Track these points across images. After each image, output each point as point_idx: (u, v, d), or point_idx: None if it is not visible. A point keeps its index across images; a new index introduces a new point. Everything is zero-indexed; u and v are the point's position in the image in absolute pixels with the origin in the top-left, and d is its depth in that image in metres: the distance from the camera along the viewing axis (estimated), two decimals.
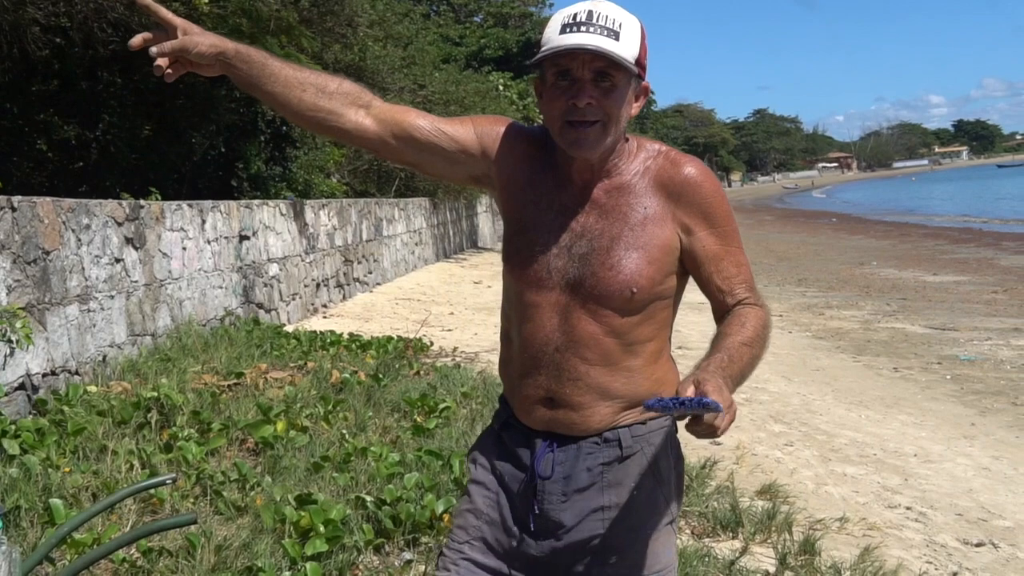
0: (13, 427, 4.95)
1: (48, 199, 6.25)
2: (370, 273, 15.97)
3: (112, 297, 7.01)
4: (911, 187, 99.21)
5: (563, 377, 2.06)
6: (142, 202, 7.97)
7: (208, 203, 9.50)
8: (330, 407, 6.00)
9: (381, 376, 6.93)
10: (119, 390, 6.05)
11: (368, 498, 4.34)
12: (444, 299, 15.14)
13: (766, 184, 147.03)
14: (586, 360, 2.05)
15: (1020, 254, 24.49)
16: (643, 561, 2.08)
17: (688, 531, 4.63)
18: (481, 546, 2.15)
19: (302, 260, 12.34)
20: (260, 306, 10.56)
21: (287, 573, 3.71)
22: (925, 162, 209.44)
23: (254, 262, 10.55)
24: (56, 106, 12.29)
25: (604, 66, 1.95)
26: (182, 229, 8.64)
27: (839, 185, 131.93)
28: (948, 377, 10.21)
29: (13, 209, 5.75)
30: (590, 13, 1.96)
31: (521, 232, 2.12)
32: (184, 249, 8.63)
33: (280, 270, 11.41)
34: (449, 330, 11.44)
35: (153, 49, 1.96)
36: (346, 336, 8.89)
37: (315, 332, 9.01)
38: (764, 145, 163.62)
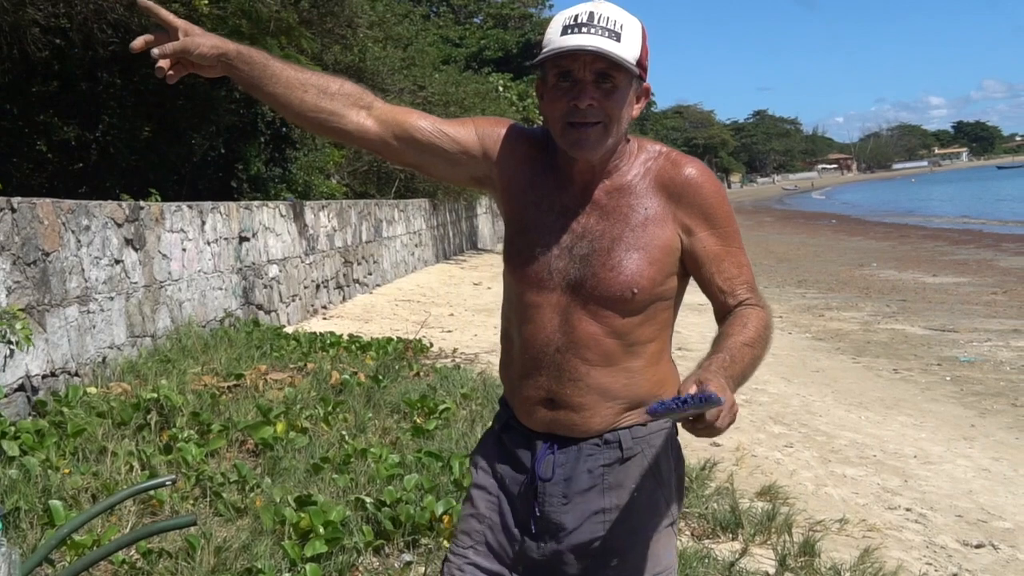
0: (13, 428, 4.95)
1: (48, 200, 6.25)
2: (370, 274, 15.97)
3: (112, 298, 7.01)
4: (911, 188, 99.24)
5: (564, 378, 2.06)
6: (142, 203, 7.97)
7: (208, 204, 9.50)
8: (330, 408, 6.00)
9: (381, 377, 6.93)
10: (119, 391, 6.05)
11: (368, 499, 4.34)
12: (444, 300, 15.14)
13: (766, 185, 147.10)
14: (587, 361, 2.05)
15: (1020, 255, 24.49)
16: (644, 563, 2.08)
17: (688, 532, 4.63)
18: (485, 550, 2.15)
19: (302, 261, 12.34)
20: (260, 307, 10.56)
21: (287, 574, 3.71)
22: (925, 163, 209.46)
23: (254, 263, 10.55)
24: (56, 107, 12.29)
25: (605, 67, 1.95)
26: (182, 230, 8.64)
27: (839, 186, 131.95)
28: (948, 378, 10.21)
29: (13, 210, 5.75)
30: (591, 14, 1.96)
31: (522, 233, 2.12)
32: (184, 250, 8.63)
33: (280, 271, 11.40)
34: (449, 331, 11.44)
35: (155, 51, 1.96)
36: (346, 337, 8.89)
37: (315, 333, 9.01)
38: (764, 146, 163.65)
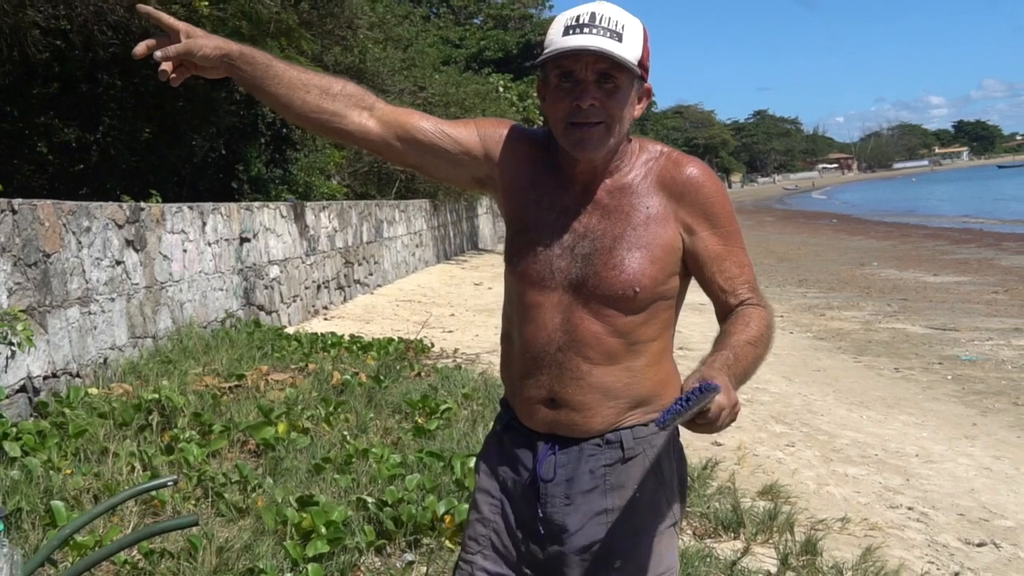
0: (14, 429, 4.95)
1: (48, 202, 6.26)
2: (371, 275, 15.97)
3: (113, 299, 7.01)
4: (911, 188, 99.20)
5: (565, 377, 2.06)
6: (142, 204, 7.97)
7: (208, 205, 9.50)
8: (331, 409, 6.00)
9: (382, 377, 6.93)
10: (120, 392, 6.06)
11: (369, 499, 4.34)
12: (445, 301, 15.14)
13: (766, 185, 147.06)
14: (589, 360, 2.05)
15: (1021, 254, 24.48)
16: (646, 564, 2.08)
17: (690, 532, 4.63)
18: (492, 554, 2.15)
19: (303, 262, 12.35)
20: (261, 308, 10.56)
21: (289, 574, 3.71)
22: (925, 163, 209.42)
23: (255, 264, 10.55)
24: (56, 109, 12.30)
25: (607, 67, 1.95)
26: (183, 231, 8.65)
27: (839, 186, 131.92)
28: (949, 377, 10.21)
29: (14, 212, 5.75)
30: (593, 15, 1.97)
31: (523, 233, 2.12)
32: (185, 251, 8.64)
33: (281, 272, 11.41)
34: (450, 331, 11.44)
35: (158, 53, 1.95)
36: (347, 338, 8.89)
37: (316, 334, 9.01)
38: (764, 146, 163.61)
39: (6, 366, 5.51)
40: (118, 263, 7.16)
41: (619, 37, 1.95)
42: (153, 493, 4.24)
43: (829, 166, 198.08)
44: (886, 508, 5.64)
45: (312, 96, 2.09)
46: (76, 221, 6.52)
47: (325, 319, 12.24)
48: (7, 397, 5.43)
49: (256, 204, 11.12)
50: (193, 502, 4.44)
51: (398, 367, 7.69)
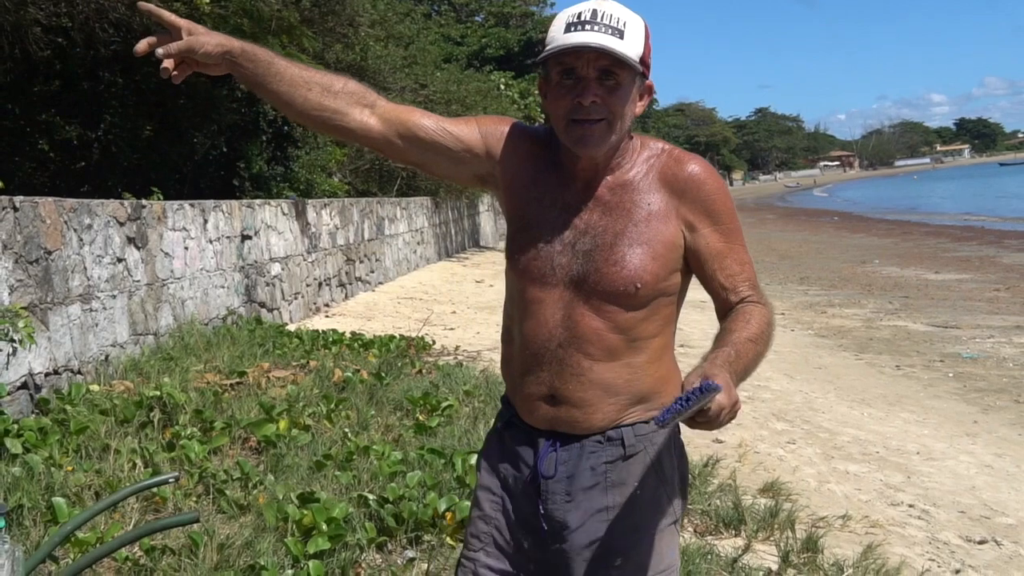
0: (16, 426, 4.96)
1: (50, 199, 6.26)
2: (372, 272, 15.97)
3: (114, 296, 7.02)
4: (913, 185, 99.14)
5: (566, 373, 2.06)
6: (144, 202, 7.97)
7: (210, 203, 9.50)
8: (332, 406, 6.00)
9: (383, 375, 6.93)
10: (121, 389, 6.06)
11: (370, 496, 4.35)
12: (446, 298, 15.14)
13: (768, 183, 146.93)
14: (590, 356, 2.05)
15: (1022, 252, 24.46)
16: (647, 561, 2.08)
17: (691, 529, 4.63)
18: (495, 551, 2.15)
19: (304, 259, 12.35)
20: (262, 305, 10.57)
21: (290, 571, 3.71)
22: (927, 160, 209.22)
23: (256, 261, 10.55)
24: (58, 106, 12.30)
25: (609, 64, 1.96)
26: (184, 229, 8.65)
27: (841, 183, 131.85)
28: (950, 375, 10.20)
29: (15, 209, 5.76)
30: (594, 12, 1.97)
31: (524, 230, 2.12)
32: (186, 249, 8.64)
33: (282, 269, 11.41)
34: (451, 329, 11.45)
35: (160, 51, 1.94)
36: (348, 335, 8.90)
37: (317, 331, 9.02)
38: (766, 144, 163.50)
39: (8, 363, 5.52)
40: (119, 260, 7.17)
41: (620, 34, 1.95)
42: (154, 490, 4.25)
43: (831, 164, 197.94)
44: (887, 505, 5.64)
45: (314, 94, 2.09)
46: (78, 218, 6.53)
47: (326, 316, 12.25)
48: (9, 394, 5.43)
49: (257, 201, 11.12)
50: (194, 499, 4.45)
51: (399, 364, 7.69)
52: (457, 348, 9.50)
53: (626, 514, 2.08)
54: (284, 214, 11.75)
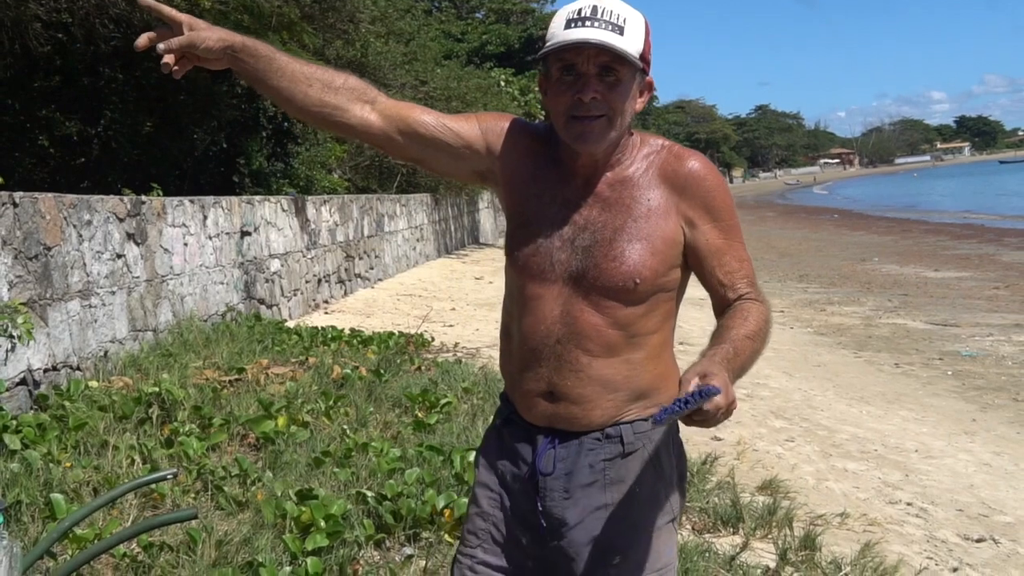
0: (14, 422, 4.96)
1: (50, 195, 6.25)
2: (371, 269, 15.97)
3: (113, 293, 7.01)
4: (913, 183, 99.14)
5: (564, 369, 2.06)
6: (143, 198, 7.96)
7: (210, 199, 9.50)
8: (331, 403, 6.00)
9: (382, 372, 6.93)
10: (120, 385, 6.06)
11: (369, 493, 4.35)
12: (445, 295, 15.14)
13: (768, 180, 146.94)
14: (588, 352, 2.05)
15: (1021, 250, 24.47)
16: (645, 559, 2.08)
17: (689, 526, 4.63)
18: (492, 547, 2.15)
19: (303, 256, 12.35)
20: (261, 302, 10.56)
21: (288, 568, 3.71)
22: (927, 158, 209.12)
23: (255, 258, 10.55)
24: (58, 102, 12.29)
25: (609, 61, 1.96)
26: (183, 225, 8.64)
27: (841, 181, 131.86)
28: (949, 373, 10.21)
29: (15, 205, 5.75)
30: (594, 8, 1.97)
31: (524, 226, 2.12)
32: (185, 245, 8.63)
33: (281, 266, 11.41)
34: (450, 326, 11.44)
35: (161, 46, 1.93)
36: (347, 332, 8.90)
37: (316, 328, 9.01)
38: (766, 141, 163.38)
39: (6, 359, 5.51)
40: (119, 256, 7.16)
41: (620, 30, 1.95)
42: (153, 486, 4.25)
43: (831, 161, 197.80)
44: (885, 503, 5.65)
45: (314, 90, 2.09)
46: (77, 214, 6.52)
47: (326, 313, 12.24)
48: (7, 390, 5.43)
49: (257, 198, 11.11)
50: (193, 495, 4.45)
51: (398, 361, 7.69)
52: (456, 345, 9.50)
53: (624, 512, 2.08)
54: (284, 210, 11.74)
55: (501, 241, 2.23)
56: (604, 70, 1.96)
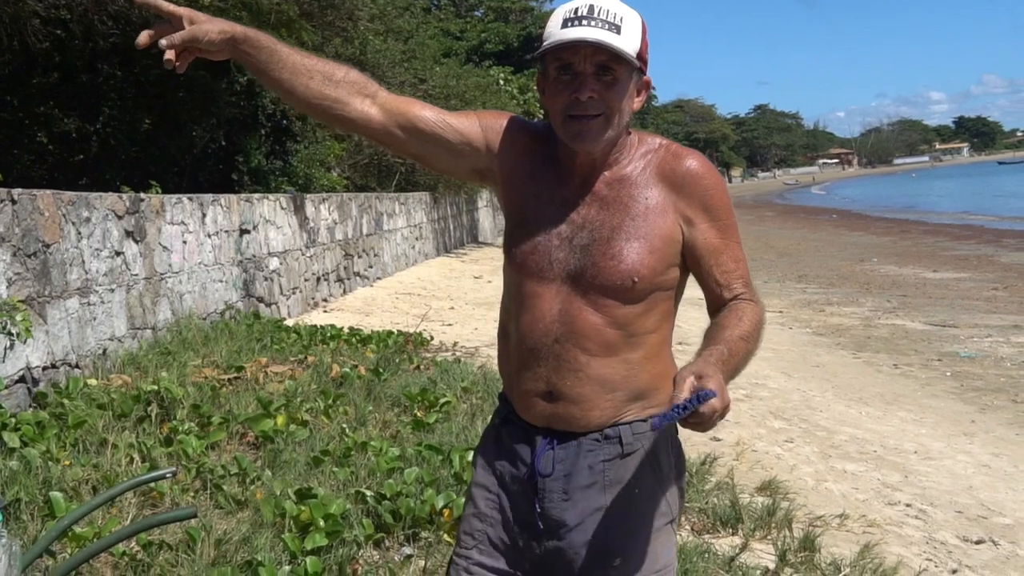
0: (13, 420, 4.95)
1: (48, 192, 6.24)
2: (370, 267, 15.96)
3: (112, 290, 7.01)
4: (911, 184, 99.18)
5: (563, 368, 2.06)
6: (142, 195, 7.95)
7: (208, 197, 9.49)
8: (330, 401, 6.00)
9: (381, 370, 6.93)
10: (119, 383, 6.05)
11: (368, 493, 4.34)
12: (444, 294, 15.14)
13: (767, 180, 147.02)
14: (587, 351, 2.04)
15: (1020, 251, 24.48)
16: (643, 560, 2.07)
17: (688, 527, 4.63)
18: (489, 548, 2.14)
19: (302, 254, 12.34)
20: (260, 300, 10.55)
21: (287, 567, 3.71)
22: (926, 159, 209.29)
23: (254, 256, 10.54)
24: (56, 99, 12.28)
25: (606, 60, 1.95)
26: (182, 223, 8.63)
27: (839, 181, 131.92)
28: (948, 374, 10.21)
29: (13, 202, 5.74)
30: (591, 7, 1.97)
31: (522, 224, 2.12)
32: (184, 243, 8.62)
33: (280, 264, 11.40)
34: (449, 325, 11.44)
35: (163, 41, 1.92)
36: (346, 330, 8.89)
37: (315, 326, 9.01)
38: (765, 141, 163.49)
39: (5, 356, 5.50)
40: (118, 254, 7.15)
41: (617, 29, 1.95)
42: (152, 485, 4.24)
43: (829, 161, 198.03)
44: (884, 505, 5.65)
45: (315, 82, 2.09)
46: (76, 211, 6.51)
47: (324, 311, 12.24)
48: (6, 388, 5.42)
49: (256, 196, 11.10)
50: (192, 494, 4.44)
51: (397, 360, 7.69)
52: (455, 344, 9.50)
53: (624, 513, 2.08)
54: (282, 208, 11.73)
55: (500, 240, 2.23)
56: (601, 69, 1.96)
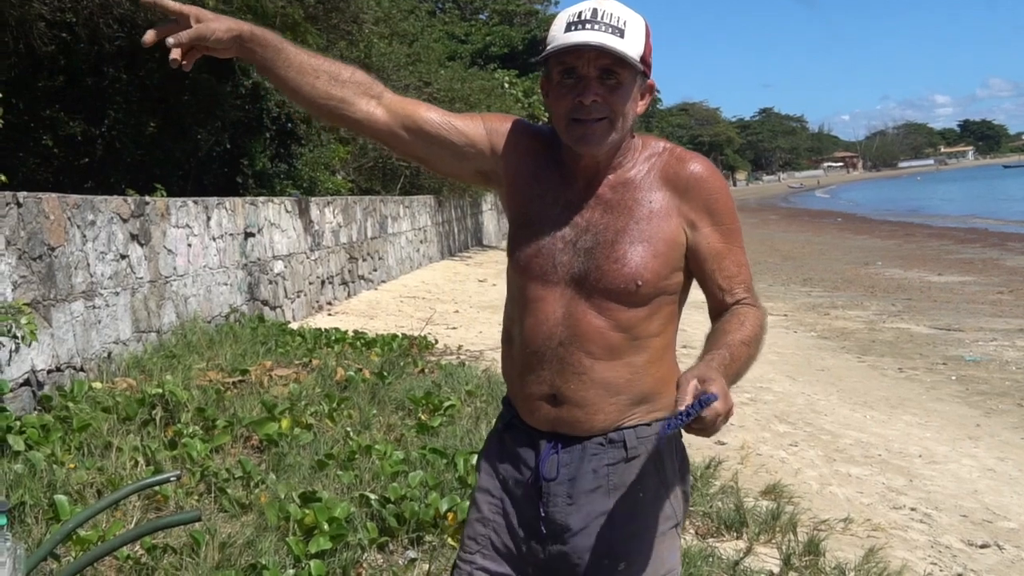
0: (18, 423, 4.96)
1: (54, 195, 6.26)
2: (375, 271, 15.97)
3: (117, 294, 7.02)
4: (916, 187, 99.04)
5: (567, 372, 2.05)
6: (147, 199, 7.97)
7: (213, 200, 9.50)
8: (334, 405, 6.00)
9: (386, 374, 6.93)
10: (124, 387, 6.06)
11: (372, 496, 4.34)
12: (449, 297, 15.14)
13: (771, 183, 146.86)
14: (591, 354, 2.04)
15: None
16: (647, 564, 2.07)
17: (692, 531, 4.62)
18: (492, 553, 2.14)
19: (307, 257, 12.35)
20: (265, 303, 10.57)
21: (291, 571, 3.71)
22: (931, 162, 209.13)
23: (259, 259, 10.55)
24: (62, 102, 12.31)
25: (609, 63, 1.96)
26: (187, 226, 8.65)
27: (844, 185, 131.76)
28: (953, 378, 10.19)
29: (19, 205, 5.75)
30: (595, 11, 1.97)
31: (526, 227, 2.12)
32: (189, 246, 8.64)
33: (285, 267, 11.41)
34: (454, 328, 11.44)
35: (170, 40, 1.92)
36: (351, 334, 8.90)
37: (320, 329, 9.01)
38: (769, 144, 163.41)
39: (10, 360, 5.52)
40: (123, 257, 7.17)
41: (621, 33, 1.95)
42: (156, 488, 4.24)
43: (834, 164, 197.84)
44: (889, 509, 5.63)
45: (321, 82, 2.09)
46: (81, 215, 6.53)
47: (329, 315, 12.25)
48: (11, 391, 5.43)
49: (261, 199, 11.12)
50: (196, 497, 4.45)
51: (402, 363, 7.69)
52: (460, 347, 9.50)
53: (628, 517, 2.07)
54: (287, 212, 11.75)
55: (504, 243, 2.23)
56: (605, 73, 1.96)
